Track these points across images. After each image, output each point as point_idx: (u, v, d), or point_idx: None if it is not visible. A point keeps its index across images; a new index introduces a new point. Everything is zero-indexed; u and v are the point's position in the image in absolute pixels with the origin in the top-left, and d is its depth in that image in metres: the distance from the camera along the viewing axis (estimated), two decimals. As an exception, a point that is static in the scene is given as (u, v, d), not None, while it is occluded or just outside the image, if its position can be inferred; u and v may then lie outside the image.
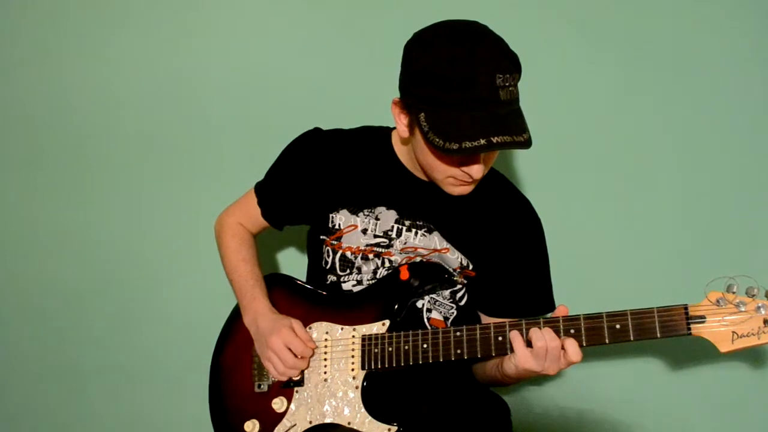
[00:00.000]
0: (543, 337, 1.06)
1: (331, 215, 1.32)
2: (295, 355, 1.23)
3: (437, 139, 1.03)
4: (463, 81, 1.01)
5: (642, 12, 1.58)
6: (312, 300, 1.33)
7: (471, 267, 1.29)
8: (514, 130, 1.02)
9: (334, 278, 1.34)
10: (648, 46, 1.58)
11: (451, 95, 1.02)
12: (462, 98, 1.02)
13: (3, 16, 1.84)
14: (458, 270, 1.29)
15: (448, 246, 1.27)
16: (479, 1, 1.48)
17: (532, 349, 1.07)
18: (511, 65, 1.04)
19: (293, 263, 1.78)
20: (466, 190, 1.16)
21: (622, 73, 1.59)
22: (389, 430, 1.18)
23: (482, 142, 1.00)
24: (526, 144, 1.02)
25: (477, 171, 1.10)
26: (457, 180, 1.14)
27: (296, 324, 1.26)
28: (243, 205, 1.42)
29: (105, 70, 1.82)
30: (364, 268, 1.31)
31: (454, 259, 1.28)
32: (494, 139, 1.00)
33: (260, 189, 1.39)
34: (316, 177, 1.31)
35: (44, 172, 1.87)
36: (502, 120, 1.02)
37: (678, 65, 1.57)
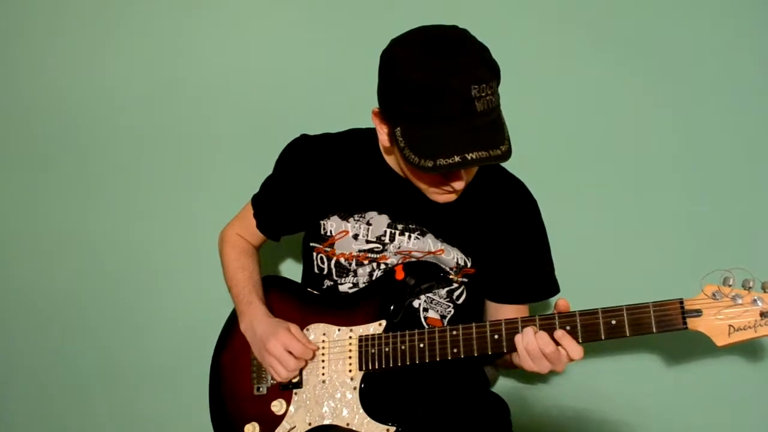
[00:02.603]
0: (534, 341, 1.07)
1: (322, 222, 1.32)
2: (296, 358, 1.22)
3: (412, 156, 1.03)
4: (437, 95, 1.00)
5: (643, 11, 1.58)
6: (308, 301, 1.33)
7: (469, 264, 1.28)
8: (491, 144, 1.00)
9: (331, 283, 1.34)
10: (649, 45, 1.57)
11: (425, 110, 1.01)
12: (437, 113, 1.01)
13: (3, 16, 1.85)
14: (455, 269, 1.29)
15: (443, 247, 1.27)
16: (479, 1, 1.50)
17: (529, 352, 1.08)
18: (489, 73, 1.02)
19: (292, 269, 1.78)
20: (450, 198, 1.16)
21: (622, 71, 1.59)
22: (388, 430, 1.18)
23: (457, 159, 0.99)
24: (503, 157, 1.01)
25: (458, 184, 1.11)
26: (440, 189, 1.15)
27: (293, 327, 1.25)
28: (241, 218, 1.42)
29: (104, 72, 1.83)
30: (360, 271, 1.31)
31: (450, 259, 1.27)
32: (469, 156, 0.99)
33: (256, 201, 1.39)
34: (305, 185, 1.31)
35: (44, 174, 1.89)
36: (478, 134, 1.01)
37: (679, 64, 1.56)
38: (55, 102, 1.86)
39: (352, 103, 1.51)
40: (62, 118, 1.86)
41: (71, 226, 1.88)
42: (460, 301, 1.33)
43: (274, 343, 1.22)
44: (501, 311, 1.32)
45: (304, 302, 1.34)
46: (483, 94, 1.00)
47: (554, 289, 1.30)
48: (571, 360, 1.08)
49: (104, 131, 1.85)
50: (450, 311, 1.32)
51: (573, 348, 1.06)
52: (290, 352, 1.22)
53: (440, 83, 0.99)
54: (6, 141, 1.90)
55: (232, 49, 1.77)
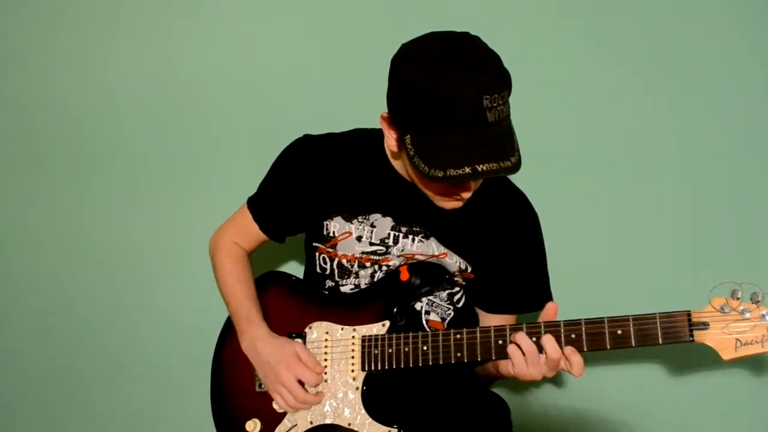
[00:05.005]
0: (532, 344, 1.07)
1: (325, 223, 1.30)
2: (306, 392, 1.22)
3: (422, 165, 1.02)
4: (448, 104, 0.98)
5: (643, 11, 1.54)
6: (311, 299, 1.33)
7: (470, 270, 1.28)
8: (501, 156, 1.00)
9: (332, 284, 1.33)
10: (649, 45, 1.55)
11: (436, 118, 1.00)
12: (447, 122, 0.99)
13: (3, 17, 1.82)
14: (457, 273, 1.28)
15: (446, 251, 1.26)
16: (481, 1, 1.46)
17: (526, 358, 1.08)
18: (500, 83, 1.01)
19: (292, 269, 1.77)
20: (457, 205, 1.16)
21: (623, 73, 1.56)
22: (389, 431, 1.19)
23: (467, 170, 0.99)
24: (513, 169, 1.00)
25: (466, 193, 1.11)
26: (447, 197, 1.14)
27: (301, 349, 1.24)
28: (237, 222, 1.38)
29: (104, 71, 1.80)
30: (362, 273, 1.31)
31: (452, 263, 1.27)
32: (479, 167, 0.98)
33: (254, 203, 1.36)
34: (309, 185, 1.29)
35: (44, 173, 1.86)
36: (489, 145, 1.00)
37: (681, 67, 1.54)
38: (55, 101, 1.83)
39: (354, 103, 1.49)
40: (61, 118, 1.84)
41: (71, 226, 1.86)
42: (460, 304, 1.32)
43: (286, 372, 1.21)
44: (488, 320, 1.33)
45: (306, 300, 1.33)
46: (494, 104, 0.99)
47: (545, 301, 1.28)
48: (571, 373, 1.08)
49: (104, 131, 1.82)
50: (450, 314, 1.32)
51: (578, 364, 1.06)
52: (301, 382, 1.22)
53: (452, 92, 0.98)
54: (5, 140, 1.88)
55: (233, 48, 1.74)
